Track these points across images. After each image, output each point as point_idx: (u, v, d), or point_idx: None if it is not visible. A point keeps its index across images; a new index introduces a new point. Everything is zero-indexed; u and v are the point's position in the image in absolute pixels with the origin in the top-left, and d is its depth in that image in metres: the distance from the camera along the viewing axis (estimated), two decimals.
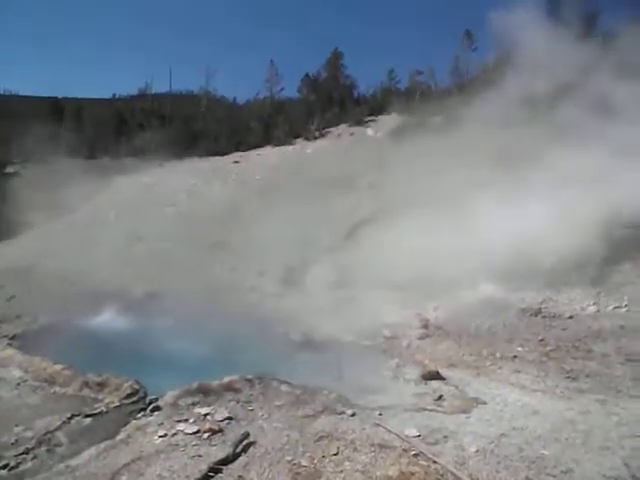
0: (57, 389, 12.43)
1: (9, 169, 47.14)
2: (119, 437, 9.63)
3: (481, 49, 60.90)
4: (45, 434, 9.66)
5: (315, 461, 8.33)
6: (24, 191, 39.60)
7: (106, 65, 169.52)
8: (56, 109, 59.06)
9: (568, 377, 13.12)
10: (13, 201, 37.93)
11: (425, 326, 17.78)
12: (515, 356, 15.04)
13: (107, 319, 19.18)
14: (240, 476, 8.03)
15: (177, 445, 9.10)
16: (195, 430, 9.58)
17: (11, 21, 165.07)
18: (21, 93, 67.56)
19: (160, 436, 9.47)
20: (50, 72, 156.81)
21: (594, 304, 18.03)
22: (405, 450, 8.70)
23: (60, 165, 45.98)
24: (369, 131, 46.43)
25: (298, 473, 7.99)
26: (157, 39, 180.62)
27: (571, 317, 17.44)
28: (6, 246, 30.32)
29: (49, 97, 64.67)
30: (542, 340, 15.94)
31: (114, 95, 74.02)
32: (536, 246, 18.80)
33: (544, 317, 17.69)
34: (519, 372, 13.71)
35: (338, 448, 8.71)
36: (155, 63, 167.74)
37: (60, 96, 66.14)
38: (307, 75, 62.08)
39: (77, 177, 41.19)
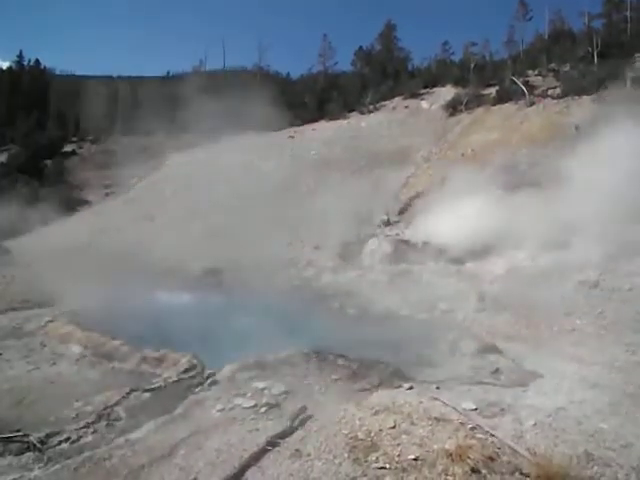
0: (116, 364, 12.67)
1: (67, 148, 47.85)
2: (177, 411, 9.80)
3: (536, 18, 60.13)
4: (105, 409, 9.85)
5: (372, 434, 8.33)
6: (81, 169, 40.42)
7: (160, 43, 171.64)
8: (111, 88, 59.95)
9: (627, 350, 12.93)
10: (70, 179, 38.77)
11: (482, 299, 17.65)
12: (573, 329, 14.89)
13: (165, 295, 19.38)
14: (297, 450, 8.09)
15: (235, 419, 9.23)
16: (252, 404, 9.70)
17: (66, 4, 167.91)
18: (77, 73, 68.79)
19: (218, 410, 9.62)
20: (106, 52, 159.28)
21: None
22: (462, 423, 8.67)
23: (116, 143, 46.81)
24: (424, 104, 46.09)
25: (355, 446, 8.01)
26: (210, 15, 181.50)
27: (630, 290, 17.00)
28: (64, 224, 30.67)
29: (105, 76, 65.78)
30: (601, 313, 15.69)
31: (168, 73, 75.17)
32: (591, 217, 18.52)
33: (602, 290, 17.35)
34: (577, 345, 13.58)
35: (395, 421, 8.70)
36: (209, 41, 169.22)
37: (115, 75, 67.33)
38: (361, 48, 61.89)
39: (133, 154, 41.82)
